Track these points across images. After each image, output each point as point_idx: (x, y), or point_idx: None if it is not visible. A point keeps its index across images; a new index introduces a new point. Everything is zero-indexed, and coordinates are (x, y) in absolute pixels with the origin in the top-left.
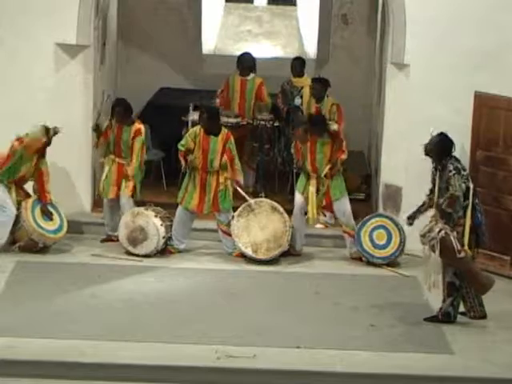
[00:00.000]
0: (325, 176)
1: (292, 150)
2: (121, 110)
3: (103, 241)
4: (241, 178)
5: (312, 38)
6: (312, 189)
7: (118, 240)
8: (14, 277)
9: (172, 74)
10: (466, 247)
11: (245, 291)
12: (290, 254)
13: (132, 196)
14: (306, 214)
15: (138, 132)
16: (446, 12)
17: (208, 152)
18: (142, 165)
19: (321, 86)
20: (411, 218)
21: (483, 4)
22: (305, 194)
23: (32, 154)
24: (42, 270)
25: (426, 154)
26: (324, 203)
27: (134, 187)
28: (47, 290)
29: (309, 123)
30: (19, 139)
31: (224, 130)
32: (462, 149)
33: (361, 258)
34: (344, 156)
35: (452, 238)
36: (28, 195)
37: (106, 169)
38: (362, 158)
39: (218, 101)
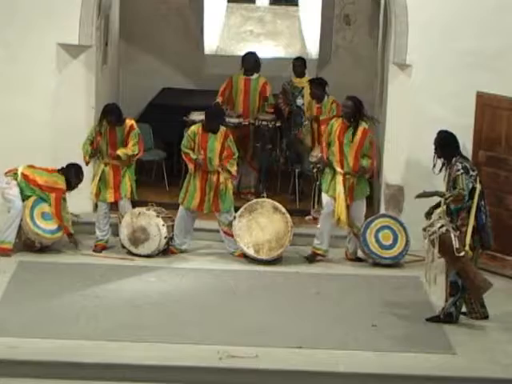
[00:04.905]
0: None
1: (318, 149)
2: (114, 119)
3: (99, 249)
4: (234, 170)
5: (314, 39)
6: (340, 188)
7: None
8: (16, 277)
9: (174, 74)
10: (468, 248)
11: (247, 291)
12: (316, 254)
13: (130, 197)
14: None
15: (132, 127)
16: (448, 12)
17: (206, 150)
18: (142, 152)
19: (319, 86)
20: (428, 214)
21: (485, 4)
22: (333, 194)
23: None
24: (44, 271)
25: (438, 156)
26: (348, 201)
27: (131, 188)
28: (49, 291)
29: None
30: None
31: (222, 129)
32: (464, 149)
33: (356, 259)
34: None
35: (452, 236)
36: None
37: (99, 172)
38: None
39: (220, 99)
